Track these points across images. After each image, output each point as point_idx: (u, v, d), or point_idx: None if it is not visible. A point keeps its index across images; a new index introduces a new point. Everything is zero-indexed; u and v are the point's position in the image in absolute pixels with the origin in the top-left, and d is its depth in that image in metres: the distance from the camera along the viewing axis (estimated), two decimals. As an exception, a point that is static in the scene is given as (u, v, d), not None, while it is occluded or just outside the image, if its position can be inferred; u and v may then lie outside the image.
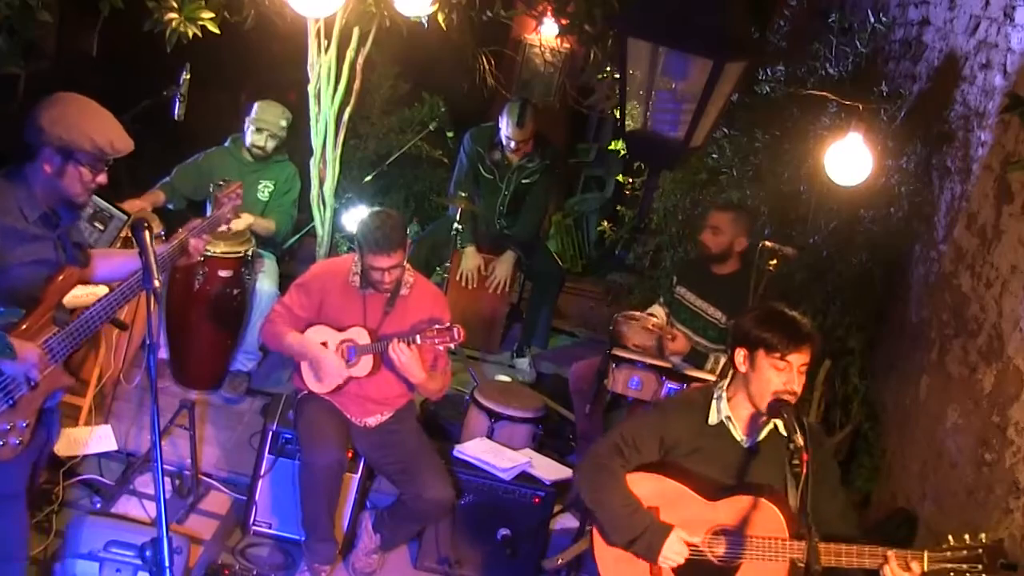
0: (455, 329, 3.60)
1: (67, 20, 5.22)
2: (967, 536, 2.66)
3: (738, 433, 2.89)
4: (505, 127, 5.47)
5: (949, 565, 2.66)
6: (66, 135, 2.51)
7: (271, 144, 4.93)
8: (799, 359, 2.77)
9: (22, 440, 2.64)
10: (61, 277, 2.66)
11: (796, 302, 4.19)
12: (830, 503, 2.87)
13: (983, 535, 2.66)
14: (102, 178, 2.63)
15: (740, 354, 2.86)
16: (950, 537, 2.68)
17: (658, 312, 4.55)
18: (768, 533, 2.80)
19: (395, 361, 3.64)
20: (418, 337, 3.61)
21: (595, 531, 2.96)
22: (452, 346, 3.70)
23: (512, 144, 5.47)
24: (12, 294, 2.56)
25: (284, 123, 4.96)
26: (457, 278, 5.60)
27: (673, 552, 2.80)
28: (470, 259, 5.59)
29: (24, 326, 2.57)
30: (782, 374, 2.76)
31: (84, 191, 2.63)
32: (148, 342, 2.38)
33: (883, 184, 4.31)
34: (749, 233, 4.36)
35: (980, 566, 2.63)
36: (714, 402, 2.92)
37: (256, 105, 4.94)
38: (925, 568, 2.67)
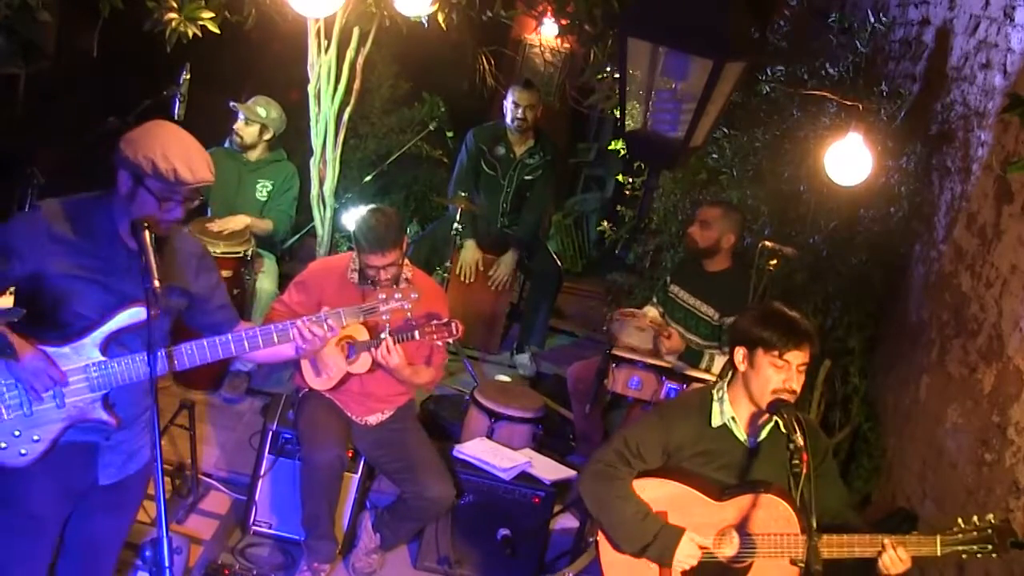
0: (453, 324, 3.60)
1: (67, 20, 5.21)
2: (976, 518, 2.70)
3: (740, 433, 2.90)
4: (511, 97, 5.49)
5: (961, 547, 2.69)
6: (133, 156, 2.42)
7: (253, 133, 4.92)
8: (798, 358, 2.77)
9: (27, 452, 2.54)
10: (127, 311, 2.51)
11: (796, 302, 4.19)
12: (832, 499, 2.88)
13: (991, 516, 2.70)
14: (177, 212, 2.48)
15: (739, 353, 2.86)
16: (960, 520, 2.71)
17: (651, 313, 4.55)
18: (778, 529, 2.80)
19: (383, 363, 3.64)
20: (416, 333, 3.60)
21: (600, 539, 2.95)
22: (450, 341, 3.70)
23: (519, 112, 5.46)
24: (71, 317, 2.49)
25: (275, 114, 4.95)
26: (457, 271, 5.61)
27: (686, 555, 2.80)
28: (469, 252, 5.60)
29: (66, 346, 2.49)
30: (781, 372, 2.77)
31: (156, 221, 2.47)
32: (148, 343, 2.38)
33: (883, 184, 4.31)
34: (738, 231, 4.35)
35: (990, 546, 2.67)
36: (715, 404, 2.92)
37: (251, 100, 4.96)
38: (938, 551, 2.70)
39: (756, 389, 2.81)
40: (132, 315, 2.51)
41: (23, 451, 2.54)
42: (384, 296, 2.86)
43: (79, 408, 2.56)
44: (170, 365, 2.59)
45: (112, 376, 2.54)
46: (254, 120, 4.92)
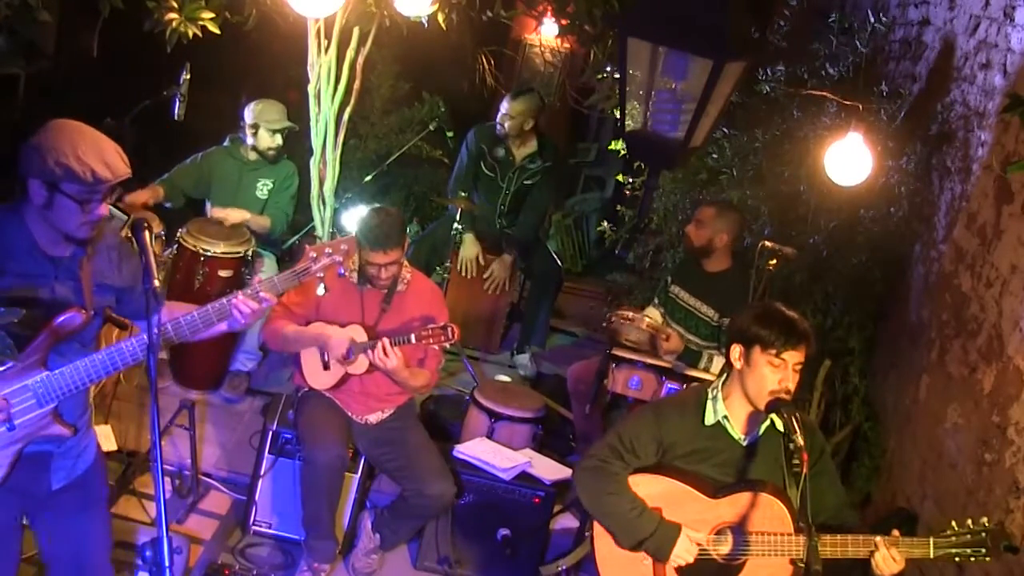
0: (450, 328, 3.60)
1: (67, 20, 5.22)
2: (970, 521, 2.71)
3: (736, 432, 2.89)
4: (503, 106, 5.48)
5: (954, 550, 2.70)
6: (44, 164, 2.31)
7: (281, 140, 4.95)
8: (794, 357, 2.77)
9: None
10: (63, 318, 2.42)
11: (796, 302, 4.21)
12: (829, 497, 2.88)
13: (985, 519, 2.71)
14: (100, 210, 2.39)
15: (736, 350, 2.86)
16: (953, 523, 2.72)
17: (653, 314, 4.56)
18: (772, 528, 2.81)
19: (380, 366, 3.63)
20: (413, 337, 3.61)
21: (595, 534, 2.95)
22: (447, 345, 3.70)
23: (506, 124, 5.45)
24: (2, 335, 2.37)
25: (285, 118, 4.97)
26: (457, 267, 5.60)
27: (683, 551, 2.81)
28: (469, 247, 5.59)
29: (5, 367, 2.40)
30: (777, 371, 2.77)
31: (78, 225, 2.39)
32: (148, 342, 2.34)
33: (883, 184, 4.31)
34: (733, 231, 4.33)
35: (984, 549, 2.68)
36: (709, 402, 2.92)
37: (254, 108, 4.90)
38: (931, 554, 2.71)
39: (752, 388, 2.81)
40: (66, 323, 2.43)
41: None
42: (314, 255, 2.76)
43: (30, 427, 2.48)
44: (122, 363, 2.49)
45: (57, 388, 2.46)
46: (281, 129, 4.93)
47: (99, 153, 2.36)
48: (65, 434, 2.54)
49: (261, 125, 4.87)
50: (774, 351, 2.76)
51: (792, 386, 2.78)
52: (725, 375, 2.94)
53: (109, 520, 2.86)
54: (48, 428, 2.51)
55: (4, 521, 2.64)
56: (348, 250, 2.78)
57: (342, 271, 2.83)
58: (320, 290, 2.87)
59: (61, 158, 2.32)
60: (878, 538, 2.73)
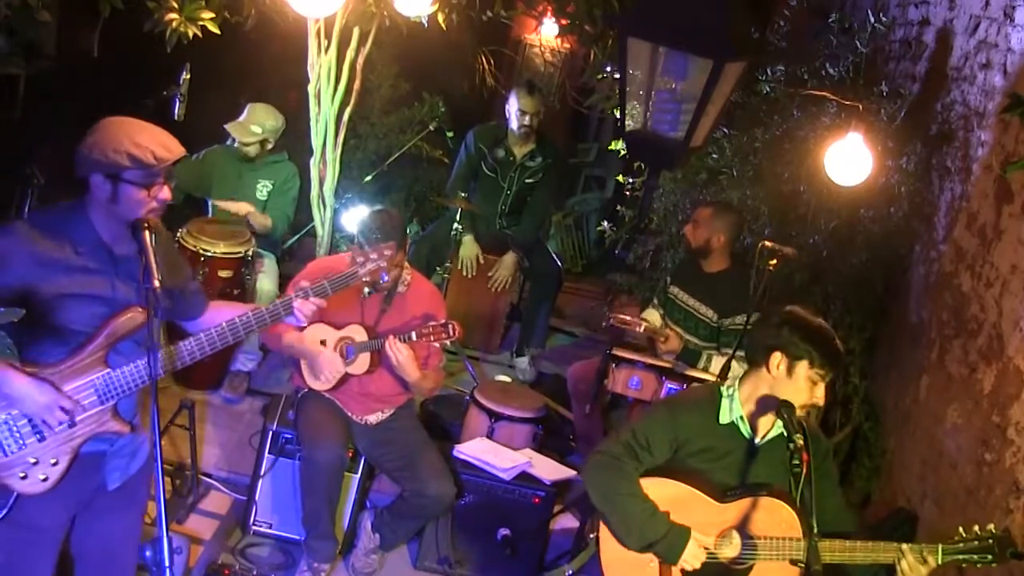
0: (451, 326, 3.61)
1: (67, 20, 5.22)
2: (977, 528, 2.74)
3: (748, 433, 2.89)
4: (515, 104, 5.44)
5: (961, 556, 2.73)
6: (105, 157, 2.38)
7: (255, 149, 4.91)
8: (832, 376, 2.85)
9: (47, 477, 2.51)
10: (124, 317, 2.48)
11: (796, 302, 4.21)
12: (831, 500, 2.88)
13: (991, 526, 2.73)
14: (163, 194, 2.46)
15: (777, 357, 2.81)
16: (961, 530, 2.74)
17: (653, 316, 4.56)
18: (780, 532, 2.81)
19: (391, 359, 3.65)
20: (413, 334, 3.61)
21: (601, 536, 2.94)
22: (448, 343, 3.70)
23: (525, 120, 5.41)
24: (62, 329, 2.45)
25: (272, 123, 4.93)
26: (458, 267, 5.60)
27: (692, 556, 2.81)
28: (468, 247, 5.59)
29: (67, 364, 2.45)
30: (818, 388, 2.80)
31: (147, 212, 2.45)
32: (148, 342, 2.36)
33: (883, 184, 4.31)
34: (730, 231, 4.33)
35: (990, 556, 2.71)
36: (724, 401, 2.91)
37: (247, 108, 4.92)
38: (939, 561, 2.72)
39: (785, 396, 2.79)
40: (127, 322, 2.48)
41: (42, 476, 2.51)
42: (360, 259, 2.83)
43: (91, 424, 2.52)
44: (172, 364, 2.57)
45: (118, 386, 2.51)
46: (263, 137, 4.91)
47: (153, 136, 2.45)
48: (123, 431, 2.58)
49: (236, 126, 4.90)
50: (823, 372, 2.79)
51: (822, 401, 2.85)
52: (743, 375, 2.92)
53: (142, 522, 2.88)
54: (106, 424, 2.55)
55: (55, 525, 2.65)
56: (391, 255, 2.87)
57: (385, 276, 2.89)
58: (365, 292, 2.83)
59: (119, 147, 2.39)
60: (904, 545, 2.75)
